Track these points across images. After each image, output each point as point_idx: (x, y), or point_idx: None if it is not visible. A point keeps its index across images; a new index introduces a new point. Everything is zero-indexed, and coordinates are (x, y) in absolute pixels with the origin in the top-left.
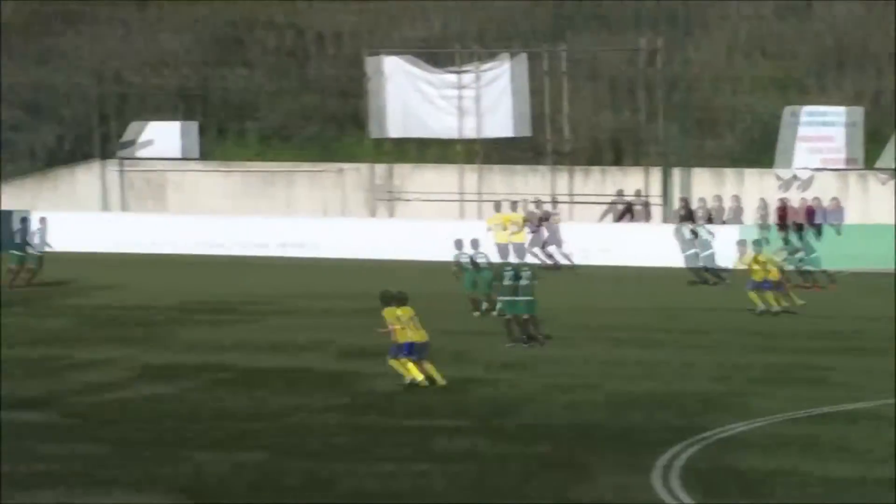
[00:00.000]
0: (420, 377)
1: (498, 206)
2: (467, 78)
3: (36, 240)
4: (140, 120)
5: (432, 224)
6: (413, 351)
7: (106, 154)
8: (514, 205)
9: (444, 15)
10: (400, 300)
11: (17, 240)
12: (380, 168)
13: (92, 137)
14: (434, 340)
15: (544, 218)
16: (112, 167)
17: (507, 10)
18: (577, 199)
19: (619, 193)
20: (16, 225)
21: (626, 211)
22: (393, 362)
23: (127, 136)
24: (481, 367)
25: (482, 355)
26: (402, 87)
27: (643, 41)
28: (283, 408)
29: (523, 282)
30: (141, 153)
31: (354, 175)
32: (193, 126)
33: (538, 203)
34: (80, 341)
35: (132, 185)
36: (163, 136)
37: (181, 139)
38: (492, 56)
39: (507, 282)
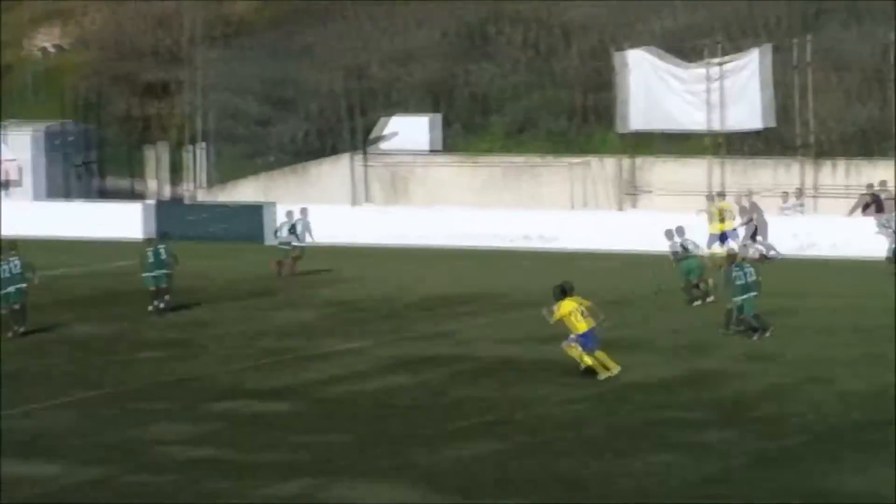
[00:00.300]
0: (590, 362)
1: (712, 197)
2: (714, 71)
3: (299, 231)
4: (386, 114)
5: (677, 217)
6: (588, 340)
7: (354, 148)
8: (722, 196)
9: (690, 8)
10: (567, 292)
11: (284, 232)
12: (626, 161)
13: (340, 131)
14: (673, 332)
15: (750, 210)
16: (359, 161)
17: (752, 1)
18: (823, 191)
19: (869, 186)
20: (281, 217)
21: (872, 203)
22: (569, 350)
23: (374, 131)
24: (725, 358)
25: (726, 346)
26: (649, 81)
27: (894, 34)
28: (525, 400)
29: (751, 278)
30: (387, 147)
31: (600, 168)
32: (439, 120)
33: (748, 195)
34: (327, 333)
35: (378, 178)
36: (409, 130)
37: (427, 133)
38: (738, 48)
39: (739, 281)
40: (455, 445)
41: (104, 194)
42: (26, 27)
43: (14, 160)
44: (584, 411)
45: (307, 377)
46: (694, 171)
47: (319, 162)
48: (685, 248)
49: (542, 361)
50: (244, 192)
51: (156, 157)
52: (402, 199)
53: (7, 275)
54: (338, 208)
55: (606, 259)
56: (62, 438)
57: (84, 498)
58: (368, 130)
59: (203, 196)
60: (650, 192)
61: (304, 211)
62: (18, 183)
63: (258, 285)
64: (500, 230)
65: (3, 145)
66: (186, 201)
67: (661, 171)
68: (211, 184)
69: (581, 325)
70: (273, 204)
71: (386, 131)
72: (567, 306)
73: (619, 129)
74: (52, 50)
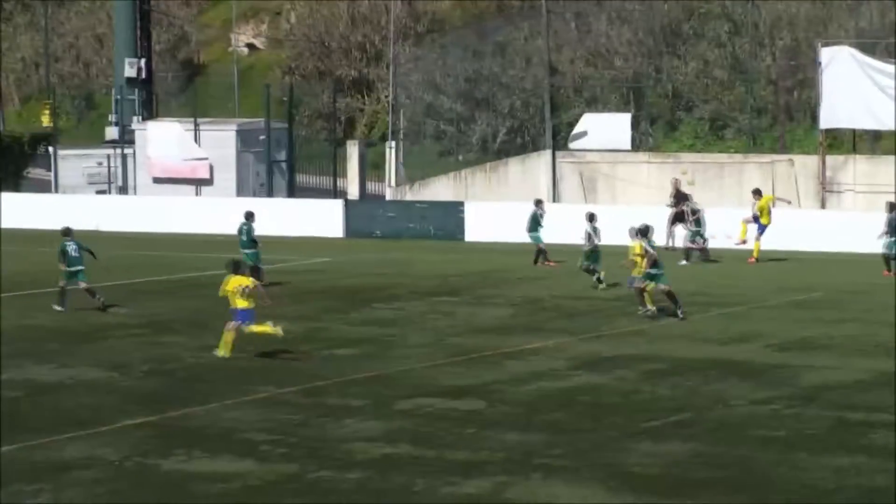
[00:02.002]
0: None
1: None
2: None
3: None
4: (582, 112)
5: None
6: (245, 316)
7: (549, 146)
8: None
9: (884, 8)
10: (239, 268)
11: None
12: (824, 159)
13: (535, 129)
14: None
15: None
16: (559, 158)
17: None
18: None
19: None
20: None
21: None
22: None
23: (573, 128)
24: None
25: None
26: (853, 78)
27: None
28: (715, 400)
29: None
30: (582, 145)
31: (800, 166)
32: (635, 117)
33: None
34: (518, 331)
35: (573, 176)
36: (604, 128)
37: (623, 130)
38: None
39: None
40: (645, 444)
41: (300, 192)
42: (226, 25)
43: (205, 159)
44: (774, 411)
45: (498, 375)
46: (888, 170)
47: (514, 160)
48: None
49: (732, 361)
50: (439, 189)
51: (353, 155)
52: (604, 198)
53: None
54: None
55: (802, 258)
56: (253, 435)
57: (273, 495)
58: (563, 128)
59: (399, 193)
60: (848, 190)
61: (539, 203)
62: (210, 181)
63: (450, 283)
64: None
65: (202, 142)
66: (383, 198)
67: (857, 169)
68: (406, 181)
69: (241, 303)
70: (467, 202)
71: (581, 129)
72: (234, 282)
73: (823, 125)
74: (252, 48)
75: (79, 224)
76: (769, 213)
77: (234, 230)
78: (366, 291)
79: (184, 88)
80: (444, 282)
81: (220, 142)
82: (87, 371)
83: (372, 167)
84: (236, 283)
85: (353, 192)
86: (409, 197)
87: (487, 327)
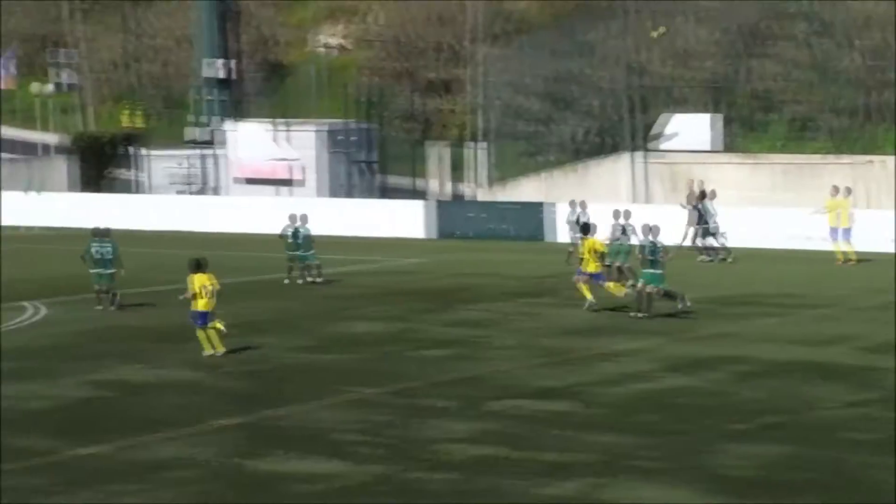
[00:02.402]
0: (201, 336)
1: (836, 191)
2: None
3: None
4: (667, 112)
5: None
6: (203, 318)
7: (634, 146)
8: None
9: None
10: (201, 266)
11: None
12: None
13: (620, 130)
14: None
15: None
16: (641, 158)
17: None
18: None
19: None
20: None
21: None
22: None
23: (654, 129)
24: None
25: None
26: None
27: None
28: (807, 402)
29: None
30: (667, 145)
31: (886, 167)
32: (719, 118)
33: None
34: (608, 332)
35: (658, 176)
36: (689, 129)
37: (707, 131)
38: None
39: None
40: (736, 446)
41: (385, 192)
42: (310, 25)
43: (297, 159)
44: (868, 413)
45: (588, 377)
46: None
47: (600, 160)
48: (623, 232)
49: (822, 363)
50: (524, 190)
51: (437, 156)
52: (679, 198)
53: (98, 257)
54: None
55: (890, 259)
56: (343, 436)
57: (364, 496)
58: (649, 129)
59: (483, 194)
60: None
61: (581, 203)
62: (301, 182)
63: (539, 284)
64: (780, 230)
65: (286, 143)
66: (467, 199)
67: None
68: (491, 182)
69: (201, 303)
70: (552, 203)
71: (666, 130)
72: (199, 280)
73: None
74: (335, 48)
75: (163, 224)
76: (845, 215)
77: (319, 231)
78: (455, 293)
79: (268, 89)
80: (532, 283)
81: (305, 142)
82: (178, 371)
83: (456, 168)
84: (200, 283)
85: (439, 192)
86: (492, 198)
87: (576, 328)
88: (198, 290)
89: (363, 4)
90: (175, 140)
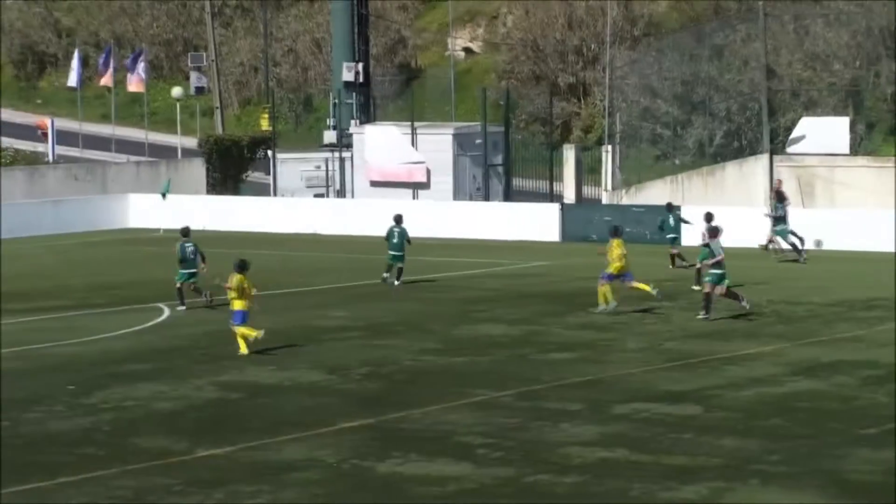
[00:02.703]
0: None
1: None
2: None
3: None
4: (802, 115)
5: None
6: (239, 317)
7: (767, 150)
8: None
9: None
10: (245, 268)
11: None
12: None
13: (752, 133)
14: None
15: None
16: (776, 162)
17: None
18: None
19: None
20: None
21: None
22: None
23: (791, 132)
24: None
25: None
26: None
27: None
28: None
29: None
30: (800, 149)
31: None
32: (853, 121)
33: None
34: (734, 336)
35: (794, 179)
36: (823, 132)
37: (842, 134)
38: None
39: None
40: (863, 451)
41: (516, 195)
42: (443, 29)
43: (422, 162)
44: None
45: (715, 380)
46: None
47: (731, 164)
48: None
49: None
50: (655, 193)
51: (568, 158)
52: (815, 202)
53: (192, 256)
54: (748, 211)
55: None
56: (468, 438)
57: (489, 499)
58: (781, 132)
59: (614, 197)
60: None
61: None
62: (427, 185)
63: (667, 287)
64: None
65: (418, 146)
66: (600, 203)
67: None
68: (622, 185)
69: (237, 304)
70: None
71: (799, 133)
72: (239, 280)
73: None
74: (468, 51)
75: (296, 227)
76: None
77: (450, 234)
78: (583, 295)
79: (401, 92)
80: (661, 286)
81: (436, 145)
82: (306, 373)
83: (588, 171)
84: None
85: (570, 195)
86: (625, 201)
87: (704, 332)
88: (236, 289)
89: (496, 8)
90: (308, 143)
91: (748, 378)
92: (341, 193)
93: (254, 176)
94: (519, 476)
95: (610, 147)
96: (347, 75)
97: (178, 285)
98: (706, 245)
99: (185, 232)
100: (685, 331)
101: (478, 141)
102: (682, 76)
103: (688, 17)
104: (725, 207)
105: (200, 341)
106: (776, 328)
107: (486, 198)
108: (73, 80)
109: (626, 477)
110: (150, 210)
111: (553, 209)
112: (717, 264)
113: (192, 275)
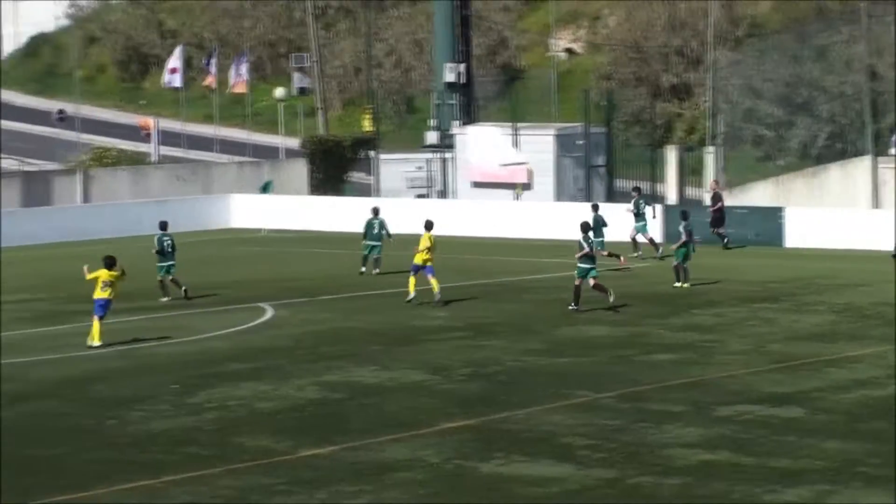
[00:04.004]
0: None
1: None
2: None
3: None
4: None
5: None
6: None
7: (874, 150)
8: None
9: None
10: (112, 265)
11: None
12: None
13: (859, 134)
14: None
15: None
16: (880, 163)
17: None
18: None
19: None
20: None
21: None
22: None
23: (894, 133)
24: None
25: None
26: None
27: None
28: None
29: None
30: None
31: None
32: None
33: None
34: (838, 338)
35: None
36: None
37: None
38: None
39: None
40: None
41: (619, 196)
42: (545, 30)
43: (524, 163)
44: None
45: (819, 383)
46: None
47: (834, 165)
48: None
49: None
50: (757, 195)
51: (670, 160)
52: None
53: (170, 250)
54: (854, 212)
55: None
56: (570, 439)
57: (591, 500)
58: (884, 133)
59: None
60: None
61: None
62: (529, 186)
63: (771, 289)
64: None
65: (520, 147)
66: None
67: None
68: (725, 186)
69: (98, 293)
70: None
71: None
72: (102, 274)
73: None
74: (570, 52)
75: (397, 227)
76: None
77: (552, 235)
78: (686, 297)
79: (502, 93)
80: (765, 288)
81: (538, 146)
82: (409, 373)
83: (691, 172)
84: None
85: (671, 196)
86: (728, 202)
87: (808, 334)
88: (97, 279)
89: (598, 9)
90: (409, 144)
91: (852, 380)
92: (443, 194)
93: (355, 177)
94: (621, 478)
95: (713, 148)
96: (449, 76)
97: (158, 279)
98: (683, 245)
99: (163, 226)
100: (789, 333)
101: (579, 142)
102: (785, 77)
103: (790, 17)
104: (828, 209)
105: (302, 341)
106: (880, 330)
107: (589, 199)
108: (173, 80)
109: (728, 479)
110: (253, 210)
111: (659, 210)
112: (587, 258)
113: (170, 267)
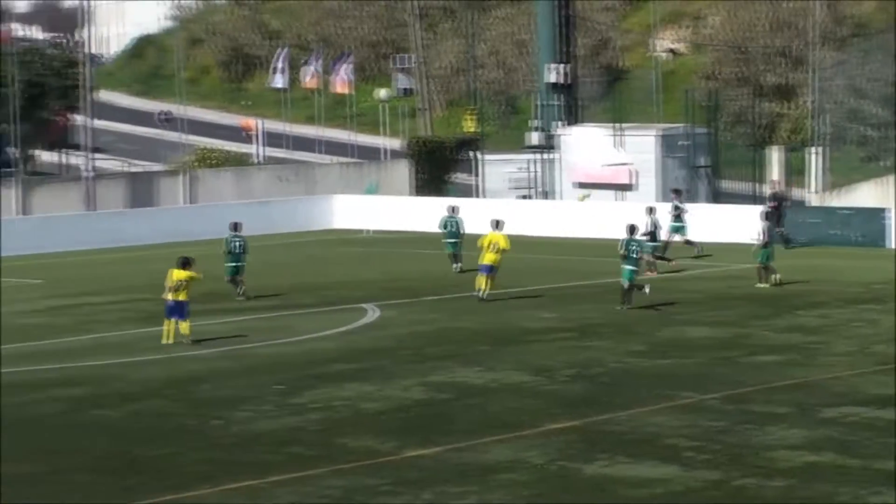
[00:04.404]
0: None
1: None
2: None
3: None
4: None
5: None
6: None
7: None
8: None
9: None
10: (188, 264)
11: None
12: None
13: None
14: None
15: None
16: None
17: None
18: None
19: None
20: None
21: None
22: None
23: None
24: None
25: None
26: None
27: None
28: None
29: None
30: None
31: None
32: None
33: None
34: None
35: None
36: None
37: None
38: None
39: None
40: None
41: (722, 197)
42: (647, 30)
43: (628, 164)
44: None
45: None
46: None
47: None
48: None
49: None
50: (862, 196)
51: (774, 160)
52: None
53: (237, 250)
54: None
55: None
56: (674, 441)
57: (695, 501)
58: None
59: (820, 199)
60: None
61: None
62: (634, 186)
63: (875, 291)
64: None
65: (623, 148)
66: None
67: None
68: (829, 187)
69: (168, 295)
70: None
71: None
72: (176, 274)
73: None
74: (673, 52)
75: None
76: None
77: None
78: (789, 298)
79: (605, 93)
80: (869, 289)
81: (641, 147)
82: (513, 374)
83: (795, 173)
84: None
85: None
86: (832, 203)
87: None
88: (172, 284)
89: (700, 9)
90: (512, 145)
91: None
92: (547, 195)
93: (458, 178)
94: (726, 479)
95: (817, 149)
96: (552, 77)
97: (226, 279)
98: (766, 245)
99: (235, 227)
100: (894, 334)
101: (682, 143)
102: (889, 77)
103: (894, 17)
104: None
105: (407, 342)
106: None
107: (693, 199)
108: (277, 81)
109: (833, 481)
110: (356, 211)
111: (758, 211)
112: (624, 259)
113: (239, 268)
